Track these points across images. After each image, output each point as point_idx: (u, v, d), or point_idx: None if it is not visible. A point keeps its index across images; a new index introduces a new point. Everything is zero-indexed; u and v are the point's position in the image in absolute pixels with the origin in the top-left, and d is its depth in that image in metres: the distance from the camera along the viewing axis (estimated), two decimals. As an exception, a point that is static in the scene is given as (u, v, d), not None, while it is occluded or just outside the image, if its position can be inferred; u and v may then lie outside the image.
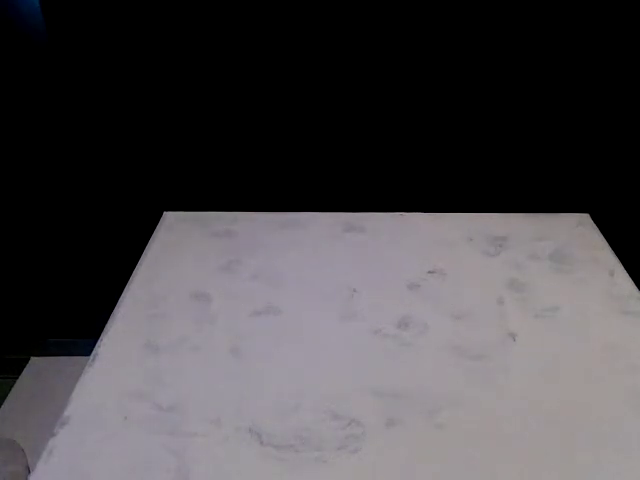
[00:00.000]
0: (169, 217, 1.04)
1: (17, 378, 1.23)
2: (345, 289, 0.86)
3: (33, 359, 1.30)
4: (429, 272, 0.89)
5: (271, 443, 0.63)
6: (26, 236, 1.46)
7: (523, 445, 0.63)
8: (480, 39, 1.19)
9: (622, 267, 0.90)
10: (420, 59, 1.22)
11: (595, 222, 1.03)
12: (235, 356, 0.75)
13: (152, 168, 1.34)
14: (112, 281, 1.02)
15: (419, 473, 0.60)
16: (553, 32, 1.18)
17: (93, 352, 0.76)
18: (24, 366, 1.29)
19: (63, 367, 1.25)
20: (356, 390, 0.69)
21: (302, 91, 1.26)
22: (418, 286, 0.86)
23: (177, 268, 0.91)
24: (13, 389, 1.18)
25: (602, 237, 0.98)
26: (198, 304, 0.83)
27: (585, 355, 0.75)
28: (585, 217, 1.03)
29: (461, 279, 0.88)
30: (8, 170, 1.37)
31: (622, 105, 1.25)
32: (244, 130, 1.31)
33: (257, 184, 1.36)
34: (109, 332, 0.79)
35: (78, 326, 1.56)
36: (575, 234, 0.98)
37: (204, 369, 0.73)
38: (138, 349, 0.76)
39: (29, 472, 0.80)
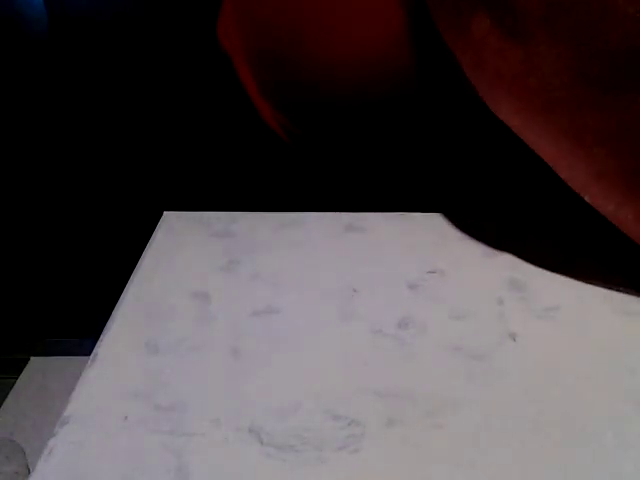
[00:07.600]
0: (169, 217, 1.04)
1: (17, 378, 1.22)
2: (345, 289, 0.86)
3: (33, 359, 1.29)
4: (429, 272, 0.89)
5: (271, 443, 0.63)
6: (25, 236, 1.46)
7: (523, 445, 0.63)
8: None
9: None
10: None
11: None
12: (235, 356, 0.74)
13: (152, 168, 1.34)
14: (112, 281, 1.02)
15: (419, 473, 0.60)
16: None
17: (93, 352, 0.76)
18: (24, 366, 1.29)
19: (63, 367, 1.25)
20: (356, 390, 0.69)
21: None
22: (418, 286, 0.86)
23: (177, 268, 0.90)
24: (13, 389, 1.18)
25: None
26: (198, 304, 0.83)
27: (585, 355, 0.74)
28: (585, 217, 1.03)
29: (461, 279, 0.88)
30: (7, 170, 1.37)
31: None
32: (244, 130, 1.31)
33: (257, 184, 1.36)
34: (109, 332, 0.78)
35: (78, 326, 1.56)
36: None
37: (204, 369, 0.72)
38: (138, 349, 0.76)
39: (29, 472, 0.80)
